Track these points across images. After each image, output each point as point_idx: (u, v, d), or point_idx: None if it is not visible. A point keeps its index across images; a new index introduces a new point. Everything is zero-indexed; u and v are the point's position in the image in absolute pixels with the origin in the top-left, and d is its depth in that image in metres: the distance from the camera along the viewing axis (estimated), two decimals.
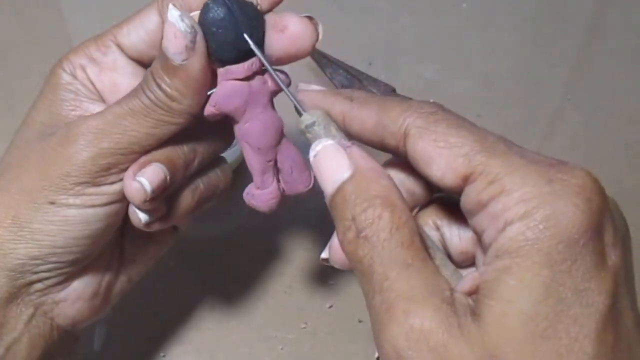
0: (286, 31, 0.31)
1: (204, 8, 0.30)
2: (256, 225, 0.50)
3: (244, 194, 0.35)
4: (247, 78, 0.31)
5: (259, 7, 0.31)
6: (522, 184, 0.24)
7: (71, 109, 0.33)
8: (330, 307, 0.46)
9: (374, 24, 0.67)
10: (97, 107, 0.33)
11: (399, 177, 0.30)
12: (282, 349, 0.44)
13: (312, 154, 0.29)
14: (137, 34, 0.33)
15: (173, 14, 0.29)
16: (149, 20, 0.33)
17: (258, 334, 0.45)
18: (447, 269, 0.28)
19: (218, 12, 0.30)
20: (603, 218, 0.24)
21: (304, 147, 0.32)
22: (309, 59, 0.58)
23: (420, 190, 0.31)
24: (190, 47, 0.29)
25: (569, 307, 0.23)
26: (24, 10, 0.68)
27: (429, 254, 0.27)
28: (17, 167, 0.32)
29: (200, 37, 0.30)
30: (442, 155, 0.26)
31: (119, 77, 0.34)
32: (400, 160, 0.30)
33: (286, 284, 0.47)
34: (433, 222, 0.30)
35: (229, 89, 0.31)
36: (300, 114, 0.30)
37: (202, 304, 0.46)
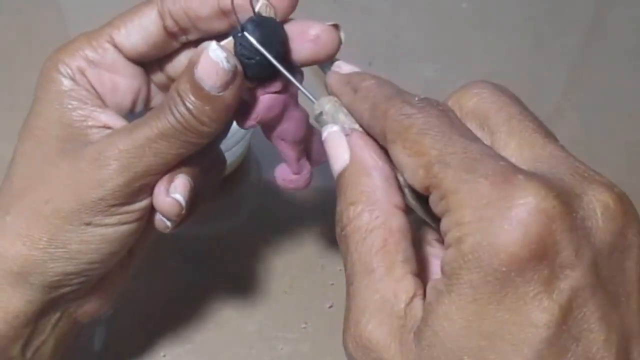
0: (318, 40, 0.31)
1: (239, 36, 0.30)
2: (256, 225, 0.50)
3: (280, 181, 0.36)
4: (282, 89, 0.32)
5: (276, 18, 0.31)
6: (462, 205, 0.23)
7: (82, 119, 0.32)
8: (330, 307, 0.46)
9: (374, 24, 0.67)
10: (104, 115, 0.33)
11: None
12: (282, 349, 0.44)
13: (323, 139, 0.29)
14: (137, 36, 0.33)
15: (219, 55, 0.29)
16: (149, 22, 0.33)
17: (258, 334, 0.44)
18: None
19: (255, 37, 0.30)
20: (550, 241, 0.22)
21: None
22: None
23: None
24: (230, 82, 0.29)
25: (493, 343, 0.22)
26: (24, 10, 0.68)
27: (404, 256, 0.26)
28: (45, 187, 0.31)
29: (240, 72, 0.30)
30: (409, 165, 0.25)
31: (119, 78, 0.34)
32: None
33: (286, 284, 0.47)
34: None
35: (269, 102, 0.32)
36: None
37: (202, 304, 0.46)
